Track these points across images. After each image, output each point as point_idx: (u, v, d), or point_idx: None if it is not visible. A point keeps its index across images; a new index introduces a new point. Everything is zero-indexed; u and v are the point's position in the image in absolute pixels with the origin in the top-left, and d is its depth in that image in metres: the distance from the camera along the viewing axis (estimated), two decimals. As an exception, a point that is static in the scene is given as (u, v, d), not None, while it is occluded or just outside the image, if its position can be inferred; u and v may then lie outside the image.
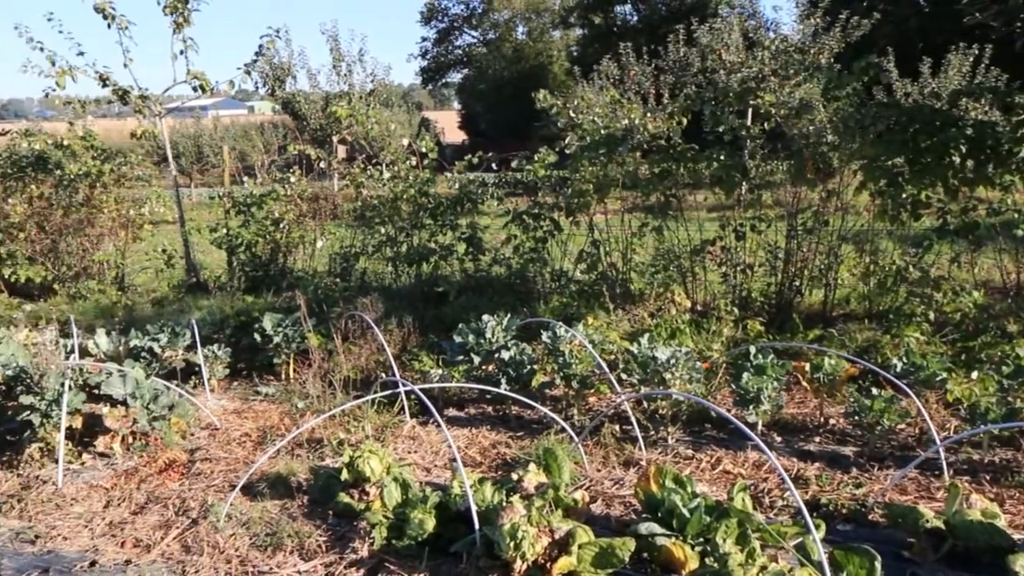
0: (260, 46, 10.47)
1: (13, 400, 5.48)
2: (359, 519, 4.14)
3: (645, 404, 5.51)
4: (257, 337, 6.61)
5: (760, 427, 5.20)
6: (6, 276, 10.21)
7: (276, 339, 6.50)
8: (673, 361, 5.32)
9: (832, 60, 12.33)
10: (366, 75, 23.41)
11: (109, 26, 9.76)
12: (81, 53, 9.92)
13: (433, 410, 4.26)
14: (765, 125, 7.74)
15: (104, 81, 10.01)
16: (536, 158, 8.50)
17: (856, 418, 5.01)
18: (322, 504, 4.38)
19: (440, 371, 6.00)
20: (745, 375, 5.21)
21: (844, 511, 4.15)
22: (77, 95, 10.51)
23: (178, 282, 10.05)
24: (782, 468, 3.70)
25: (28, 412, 5.16)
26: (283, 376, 6.64)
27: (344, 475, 4.34)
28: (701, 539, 3.60)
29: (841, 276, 7.91)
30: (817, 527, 3.42)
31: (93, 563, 4.01)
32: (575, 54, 45.45)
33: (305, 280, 8.70)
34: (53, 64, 9.73)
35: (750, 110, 8.32)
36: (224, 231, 9.57)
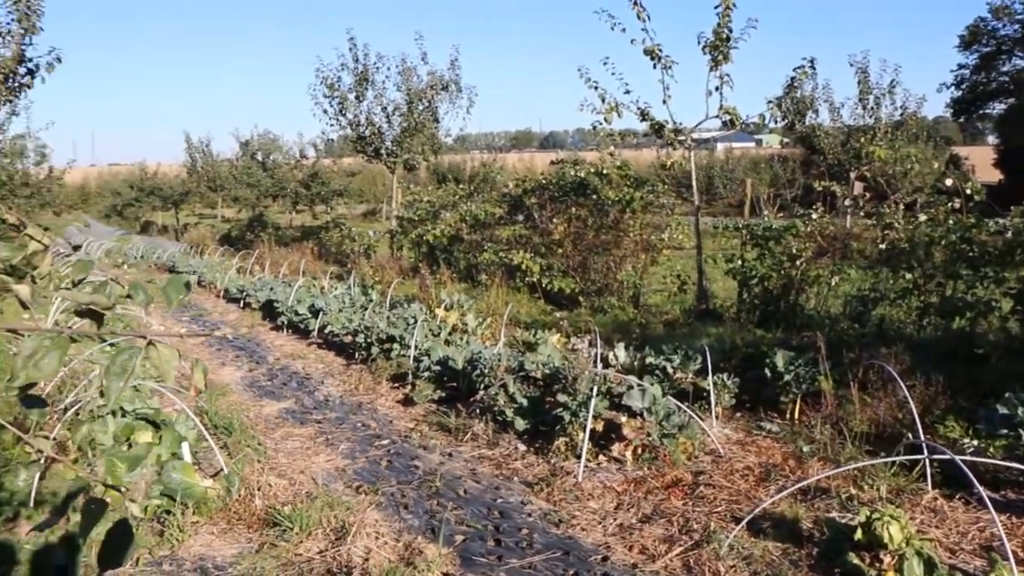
0: (791, 79, 10.45)
1: (550, 395, 6.22)
2: (869, 586, 3.82)
3: None
4: (766, 372, 6.54)
5: None
6: (544, 285, 11.72)
7: (786, 377, 6.36)
8: None
9: None
10: (894, 108, 21.91)
11: (655, 66, 10.59)
12: (628, 91, 10.96)
13: (977, 484, 3.73)
14: None
15: (644, 116, 10.92)
16: None
17: None
18: (827, 559, 4.15)
19: (973, 442, 5.28)
20: None
21: None
22: (615, 128, 11.64)
23: (689, 307, 10.49)
24: None
25: (560, 409, 5.81)
26: (787, 415, 6.47)
27: (857, 535, 4.05)
28: None
29: None
30: None
31: (605, 559, 4.33)
32: None
33: (816, 320, 8.39)
34: (603, 101, 10.90)
35: None
36: (739, 262, 9.73)
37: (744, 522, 4.38)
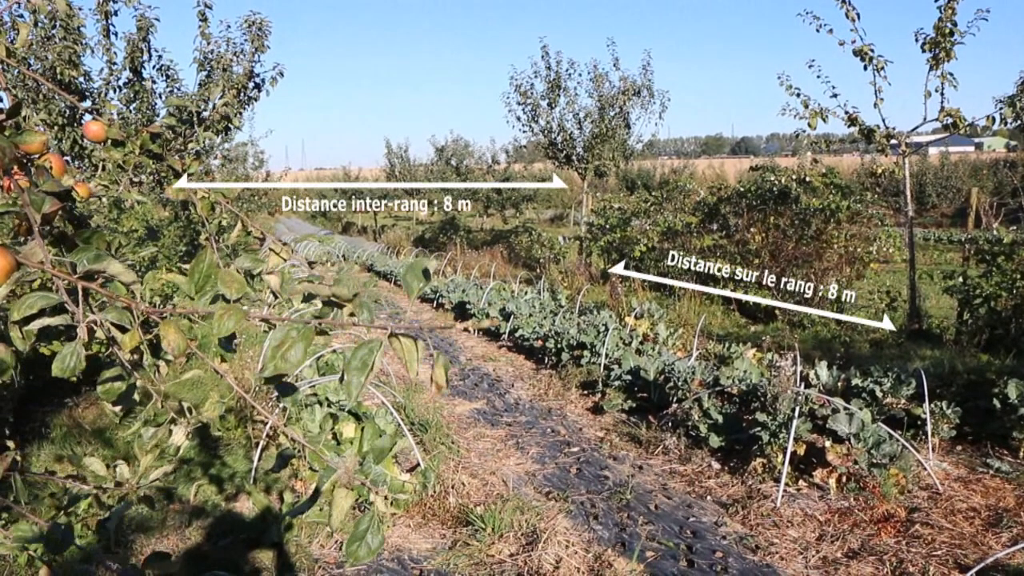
0: (1029, 75, 9.44)
1: (746, 413, 5.96)
2: None
3: None
4: (995, 403, 5.92)
5: None
6: (738, 297, 11.30)
7: (1021, 410, 5.71)
8: None
9: None
10: None
11: (865, 67, 9.94)
12: (834, 95, 10.37)
13: None
14: None
15: (852, 121, 10.27)
16: None
17: None
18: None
19: None
20: None
21: None
22: (819, 134, 11.02)
23: (899, 326, 9.74)
24: None
25: (758, 428, 5.55)
26: (1021, 453, 5.82)
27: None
28: None
29: None
30: None
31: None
32: None
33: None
34: (806, 107, 10.36)
35: None
36: (960, 279, 8.90)
37: (972, 572, 3.96)
